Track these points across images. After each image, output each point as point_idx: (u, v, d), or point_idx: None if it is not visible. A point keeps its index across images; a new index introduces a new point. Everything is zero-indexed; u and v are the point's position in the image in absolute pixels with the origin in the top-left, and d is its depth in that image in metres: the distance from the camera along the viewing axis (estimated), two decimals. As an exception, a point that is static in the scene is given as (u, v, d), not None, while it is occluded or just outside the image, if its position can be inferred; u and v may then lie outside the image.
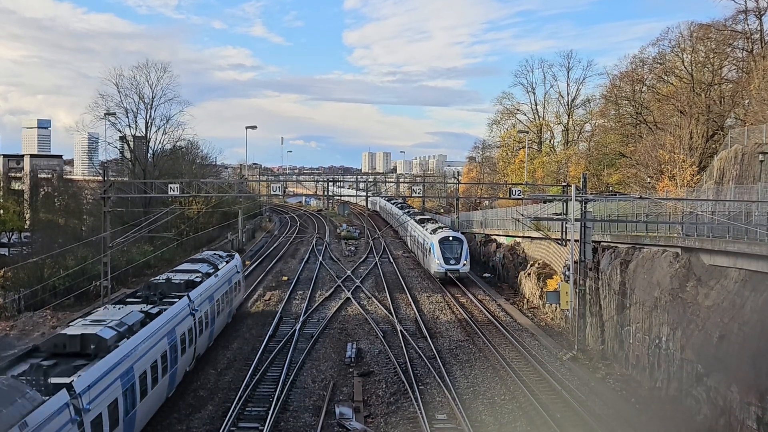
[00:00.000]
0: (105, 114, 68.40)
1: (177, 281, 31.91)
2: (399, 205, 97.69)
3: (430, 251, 56.88)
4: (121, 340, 21.97)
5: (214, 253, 42.91)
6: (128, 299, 28.58)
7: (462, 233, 61.16)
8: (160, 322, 25.31)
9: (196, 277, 33.67)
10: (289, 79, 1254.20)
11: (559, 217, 39.43)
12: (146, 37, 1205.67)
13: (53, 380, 17.41)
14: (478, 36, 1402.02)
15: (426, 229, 62.57)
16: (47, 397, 15.95)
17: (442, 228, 61.47)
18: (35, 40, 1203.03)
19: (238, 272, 42.15)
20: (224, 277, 37.55)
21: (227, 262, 40.28)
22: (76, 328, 21.98)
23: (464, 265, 54.64)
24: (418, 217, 73.75)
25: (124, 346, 21.65)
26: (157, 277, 34.85)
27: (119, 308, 25.43)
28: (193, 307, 29.72)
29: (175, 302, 28.19)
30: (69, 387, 17.06)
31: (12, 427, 14.08)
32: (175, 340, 26.59)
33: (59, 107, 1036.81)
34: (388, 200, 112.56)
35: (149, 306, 26.38)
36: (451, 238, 55.52)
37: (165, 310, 26.55)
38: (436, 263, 55.12)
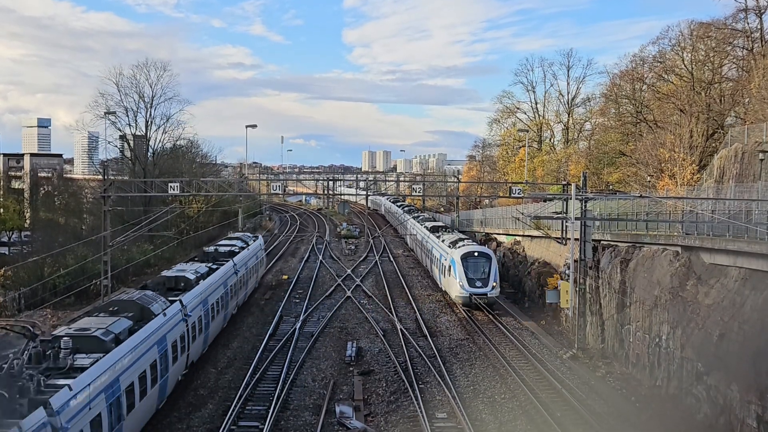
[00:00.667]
0: (105, 113, 68.35)
1: (222, 251, 42.88)
2: (406, 208, 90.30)
3: (449, 270, 46.23)
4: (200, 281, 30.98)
5: (244, 234, 54.39)
6: (195, 258, 40.32)
7: (462, 231, 60.89)
8: (219, 274, 36.35)
9: (235, 249, 44.41)
10: (289, 77, 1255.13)
11: (559, 215, 39.42)
12: (145, 36, 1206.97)
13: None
14: (477, 34, 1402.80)
15: (442, 241, 52.15)
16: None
17: (463, 241, 49.73)
18: (34, 38, 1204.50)
19: (261, 249, 53.66)
20: (253, 250, 48.86)
21: (254, 240, 51.92)
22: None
23: (493, 287, 44.47)
24: (429, 224, 63.47)
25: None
26: (207, 247, 46.90)
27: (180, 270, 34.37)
28: (236, 269, 40.36)
29: (224, 263, 38.78)
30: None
31: None
32: (227, 289, 37.44)
33: (59, 106, 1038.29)
34: (393, 201, 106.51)
35: (207, 265, 36.79)
36: (476, 254, 45.52)
37: (218, 268, 37.13)
38: (457, 285, 44.58)
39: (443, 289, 49.86)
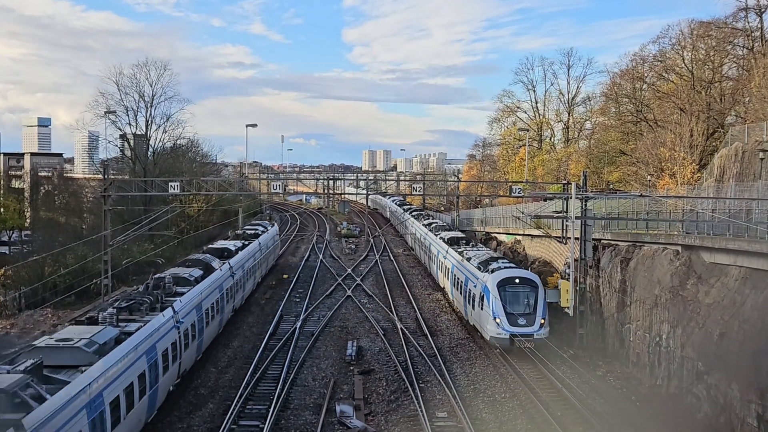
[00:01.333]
0: (105, 112, 68.32)
1: (248, 233, 54.58)
2: (414, 213, 78.69)
3: (481, 300, 35.66)
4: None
5: (263, 221, 71.08)
6: (237, 233, 54.61)
7: (462, 231, 60.61)
8: (250, 251, 47.58)
9: (258, 232, 56.26)
10: (289, 76, 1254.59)
11: (560, 215, 39.43)
12: (145, 35, 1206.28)
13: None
14: (477, 33, 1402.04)
15: (468, 259, 41.01)
16: None
17: (496, 261, 38.74)
18: (34, 37, 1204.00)
19: (277, 234, 67.90)
20: (271, 234, 61.56)
21: (272, 226, 65.86)
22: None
23: (541, 325, 33.73)
24: (447, 235, 51.88)
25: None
26: (237, 230, 58.17)
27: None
28: (261, 248, 52.50)
29: (252, 242, 50.13)
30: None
31: None
32: (258, 259, 50.39)
33: (59, 105, 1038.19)
34: (399, 204, 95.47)
35: (242, 241, 48.81)
36: (518, 281, 34.68)
37: (249, 244, 48.62)
38: (493, 322, 33.88)
39: (471, 323, 39.03)
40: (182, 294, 29.83)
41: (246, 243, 48.16)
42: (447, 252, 47.27)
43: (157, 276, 31.29)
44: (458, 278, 42.08)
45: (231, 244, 45.33)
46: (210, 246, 45.91)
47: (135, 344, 22.18)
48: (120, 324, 23.09)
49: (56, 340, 20.01)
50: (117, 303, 26.05)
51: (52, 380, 17.25)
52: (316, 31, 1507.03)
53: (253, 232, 55.60)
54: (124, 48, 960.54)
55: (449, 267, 45.38)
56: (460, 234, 53.25)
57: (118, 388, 20.03)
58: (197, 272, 33.96)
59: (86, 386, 17.95)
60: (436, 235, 53.93)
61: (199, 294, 31.66)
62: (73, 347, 19.37)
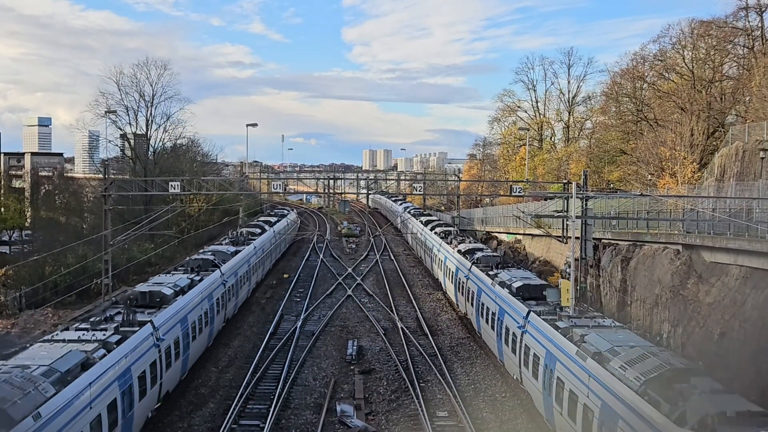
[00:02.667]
0: (105, 112, 68.35)
1: (272, 220, 65.68)
2: (424, 220, 65.98)
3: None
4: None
5: (283, 207, 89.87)
6: (262, 218, 67.78)
7: (461, 229, 60.54)
8: (268, 235, 56.11)
9: (278, 218, 69.25)
10: (289, 76, 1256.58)
11: (560, 214, 39.43)
12: (144, 35, 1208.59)
13: None
14: (477, 33, 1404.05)
15: (512, 292, 29.86)
16: None
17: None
18: (33, 37, 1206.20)
19: (294, 221, 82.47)
20: (290, 218, 75.82)
21: (289, 212, 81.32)
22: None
23: None
24: (477, 253, 40.64)
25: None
26: (257, 220, 67.91)
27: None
28: (279, 232, 63.09)
29: (271, 227, 60.39)
30: None
31: None
32: (276, 240, 60.79)
33: (58, 105, 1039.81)
34: (413, 213, 78.23)
35: (263, 228, 58.21)
36: None
37: (278, 221, 64.41)
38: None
39: (504, 363, 30.59)
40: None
41: (274, 221, 62.32)
42: (485, 282, 34.37)
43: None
44: (493, 312, 31.88)
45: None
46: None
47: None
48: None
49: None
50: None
51: None
52: (315, 30, 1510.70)
53: (273, 219, 65.12)
54: (124, 47, 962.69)
55: (486, 304, 33.55)
56: (488, 251, 42.44)
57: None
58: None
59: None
60: (478, 267, 37.42)
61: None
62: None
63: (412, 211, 79.75)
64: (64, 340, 20.79)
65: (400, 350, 35.01)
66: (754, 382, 22.03)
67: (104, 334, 21.79)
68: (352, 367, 32.48)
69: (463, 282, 40.04)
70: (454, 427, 25.11)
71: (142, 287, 29.05)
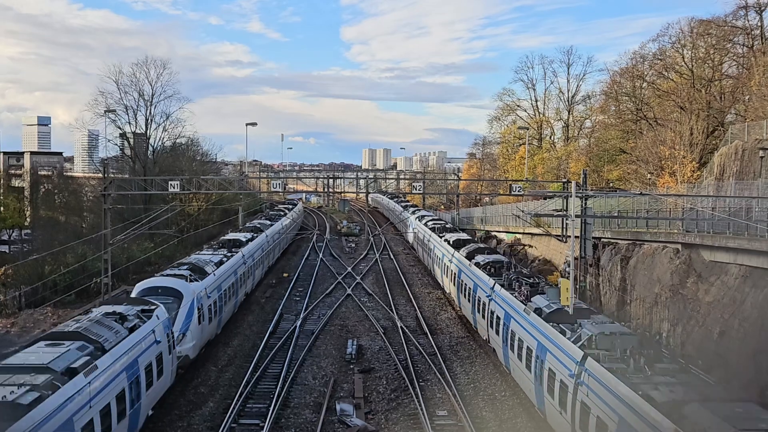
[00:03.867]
0: (105, 111, 68.38)
1: (283, 209, 78.66)
2: (445, 234, 51.72)
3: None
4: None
5: (293, 199, 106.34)
6: (271, 211, 77.73)
7: (462, 229, 60.48)
8: (279, 226, 64.23)
9: (295, 200, 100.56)
10: (287, 75, 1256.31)
11: (560, 213, 39.43)
12: (143, 34, 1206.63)
13: None
14: (476, 31, 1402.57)
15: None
16: None
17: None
18: (32, 36, 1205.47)
19: (302, 211, 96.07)
20: (298, 208, 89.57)
21: (298, 203, 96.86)
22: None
23: None
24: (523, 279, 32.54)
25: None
26: (269, 212, 76.00)
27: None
28: (291, 221, 73.01)
29: (282, 218, 70.32)
30: None
31: None
32: (287, 225, 69.47)
33: (57, 104, 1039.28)
34: (428, 223, 62.01)
35: (271, 217, 68.32)
36: None
37: (281, 217, 69.94)
38: None
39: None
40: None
41: (283, 213, 73.98)
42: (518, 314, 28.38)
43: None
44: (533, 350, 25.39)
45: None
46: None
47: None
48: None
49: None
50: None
51: None
52: (314, 29, 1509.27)
53: (286, 208, 77.41)
54: (122, 46, 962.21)
55: (517, 333, 27.82)
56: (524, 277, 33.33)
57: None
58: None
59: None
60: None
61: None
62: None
63: (431, 224, 59.46)
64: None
65: (399, 349, 35.01)
66: (753, 380, 22.05)
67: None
68: (351, 366, 32.48)
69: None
70: (453, 426, 25.11)
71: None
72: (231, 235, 49.65)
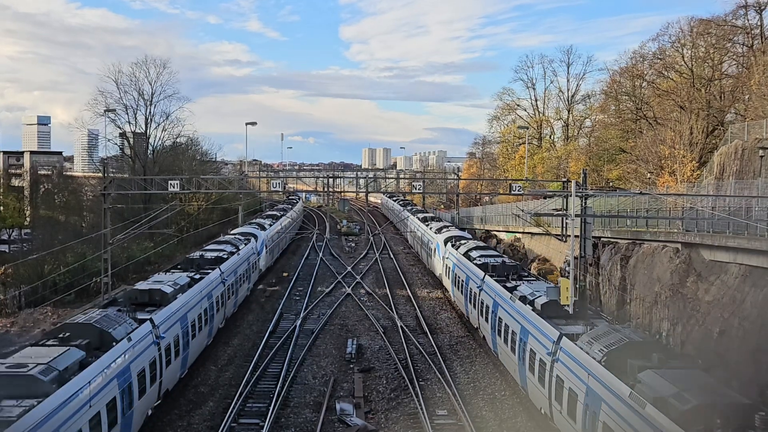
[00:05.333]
0: (105, 110, 68.36)
1: (289, 203, 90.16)
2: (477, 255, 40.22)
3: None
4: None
5: (295, 196, 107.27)
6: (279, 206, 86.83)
7: (462, 229, 60.46)
8: (284, 221, 67.13)
9: (295, 200, 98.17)
10: (286, 74, 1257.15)
11: (559, 212, 39.38)
12: (141, 33, 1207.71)
13: None
14: (475, 30, 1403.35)
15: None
16: None
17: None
18: (30, 35, 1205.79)
19: (303, 208, 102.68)
20: (299, 206, 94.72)
21: (299, 201, 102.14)
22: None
23: None
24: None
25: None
26: (276, 208, 79.79)
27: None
28: (293, 217, 75.19)
29: (288, 213, 75.18)
30: None
31: None
32: (296, 220, 79.92)
33: (56, 103, 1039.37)
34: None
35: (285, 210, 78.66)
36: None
37: (287, 213, 74.89)
38: None
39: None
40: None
41: (289, 206, 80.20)
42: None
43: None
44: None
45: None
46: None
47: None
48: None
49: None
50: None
51: None
52: (312, 28, 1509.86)
53: (288, 205, 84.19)
54: (121, 45, 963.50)
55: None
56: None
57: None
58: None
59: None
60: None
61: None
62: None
63: (462, 248, 43.42)
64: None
65: (399, 349, 35.01)
66: (753, 380, 22.05)
67: None
68: (351, 366, 32.49)
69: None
70: (453, 425, 25.12)
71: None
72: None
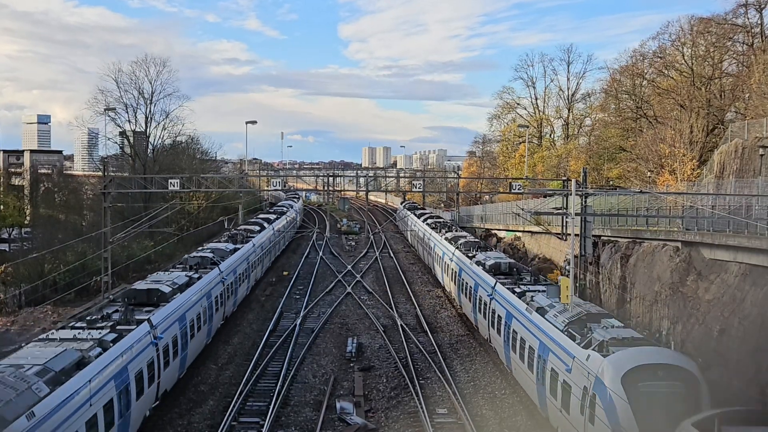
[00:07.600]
0: (105, 109, 68.33)
1: (289, 202, 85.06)
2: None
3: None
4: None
5: (297, 195, 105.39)
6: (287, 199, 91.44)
7: (462, 227, 60.37)
8: (284, 220, 67.41)
9: (295, 198, 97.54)
10: (285, 73, 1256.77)
11: (560, 211, 39.41)
12: (140, 31, 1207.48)
13: None
14: (474, 29, 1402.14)
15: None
16: None
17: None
18: (28, 34, 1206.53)
19: (302, 206, 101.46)
20: (300, 204, 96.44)
21: (300, 199, 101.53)
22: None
23: None
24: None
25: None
26: (276, 207, 79.35)
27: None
28: (295, 216, 78.24)
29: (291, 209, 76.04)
30: None
31: None
32: (297, 216, 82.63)
33: (55, 102, 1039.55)
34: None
35: (293, 197, 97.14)
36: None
37: (288, 211, 74.01)
38: None
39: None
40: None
41: (291, 203, 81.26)
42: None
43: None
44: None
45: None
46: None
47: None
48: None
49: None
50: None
51: None
52: (311, 26, 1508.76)
53: (290, 203, 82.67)
54: (119, 44, 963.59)
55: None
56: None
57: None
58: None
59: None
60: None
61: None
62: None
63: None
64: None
65: (399, 347, 35.03)
66: (753, 379, 22.05)
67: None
68: (351, 365, 32.51)
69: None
70: (453, 424, 25.14)
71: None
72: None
